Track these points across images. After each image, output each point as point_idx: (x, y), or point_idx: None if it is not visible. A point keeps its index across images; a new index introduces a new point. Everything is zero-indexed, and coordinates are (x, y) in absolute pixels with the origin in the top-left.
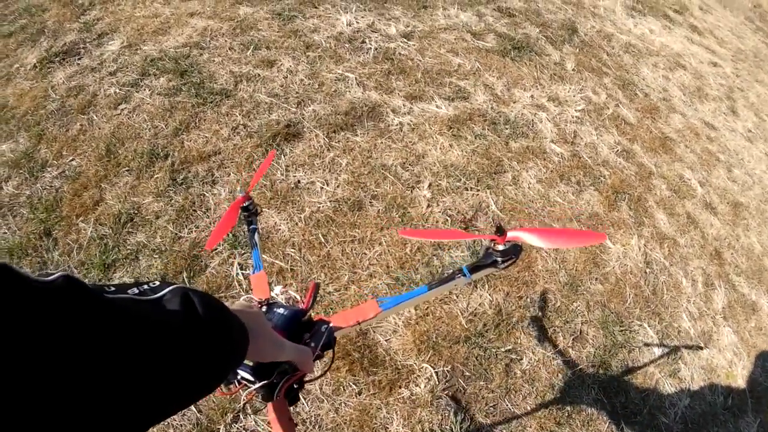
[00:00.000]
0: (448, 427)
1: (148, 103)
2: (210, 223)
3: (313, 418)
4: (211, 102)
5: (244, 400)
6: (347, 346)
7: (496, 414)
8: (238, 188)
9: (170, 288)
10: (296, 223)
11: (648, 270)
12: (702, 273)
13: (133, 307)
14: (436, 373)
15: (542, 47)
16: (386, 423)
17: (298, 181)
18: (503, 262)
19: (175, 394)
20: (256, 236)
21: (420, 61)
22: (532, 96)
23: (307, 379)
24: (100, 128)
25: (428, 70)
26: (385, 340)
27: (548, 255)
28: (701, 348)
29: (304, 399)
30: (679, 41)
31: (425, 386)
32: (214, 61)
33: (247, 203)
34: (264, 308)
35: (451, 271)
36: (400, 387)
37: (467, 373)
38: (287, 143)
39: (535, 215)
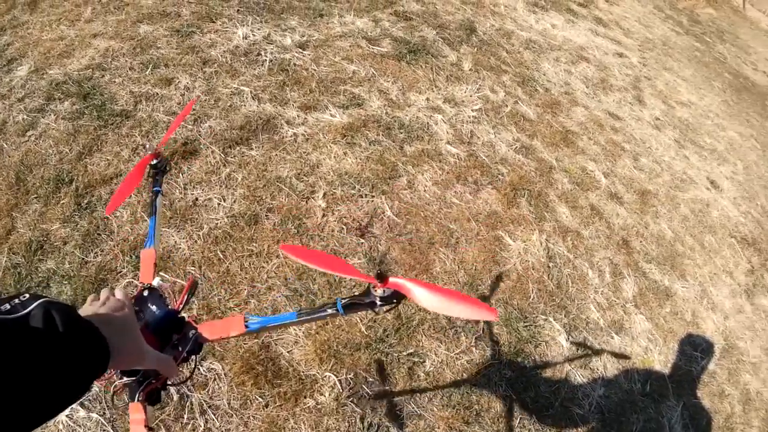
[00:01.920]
0: None
1: (53, 128)
2: (114, 246)
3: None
4: (112, 124)
5: (114, 388)
6: (250, 360)
7: (403, 417)
8: (147, 144)
9: (36, 303)
10: (195, 241)
11: (551, 264)
12: (609, 263)
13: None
14: (340, 381)
15: (439, 49)
16: None
17: (196, 199)
18: (381, 305)
19: (35, 408)
20: (159, 201)
21: (315, 70)
22: (427, 99)
23: (170, 382)
24: (9, 156)
25: (323, 79)
26: (287, 352)
27: (446, 256)
28: (612, 337)
29: (214, 415)
30: (582, 34)
31: (330, 395)
32: (115, 82)
33: (156, 161)
34: (140, 299)
35: (325, 301)
36: (305, 397)
37: (370, 379)
38: (185, 161)
39: (431, 218)
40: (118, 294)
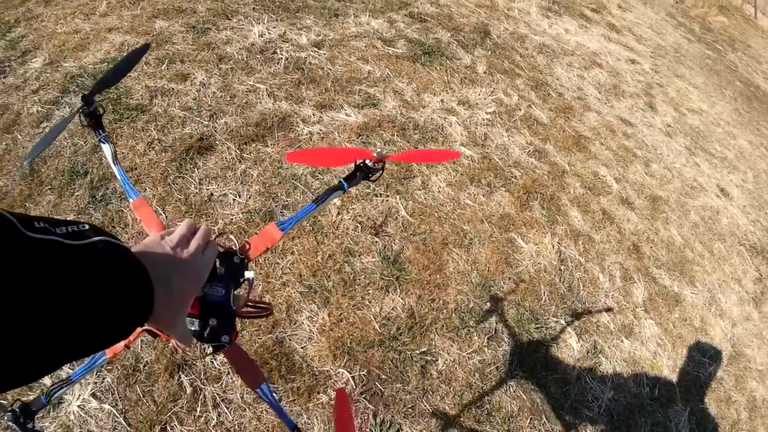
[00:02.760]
0: (368, 430)
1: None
2: (129, 239)
3: (236, 427)
4: (128, 118)
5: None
6: (264, 355)
7: (415, 415)
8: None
9: (98, 239)
10: (209, 226)
11: (563, 267)
12: (620, 267)
13: (56, 251)
14: (353, 377)
15: (453, 51)
16: (307, 428)
17: (211, 194)
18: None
19: (71, 339)
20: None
21: (330, 69)
22: (441, 100)
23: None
24: (24, 147)
25: (338, 78)
26: (301, 348)
27: (459, 257)
28: (621, 341)
29: (227, 408)
30: (595, 40)
31: None
32: (130, 76)
33: (374, 164)
34: (223, 260)
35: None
36: (318, 393)
37: (383, 377)
38: (200, 156)
39: (445, 218)
40: (210, 247)
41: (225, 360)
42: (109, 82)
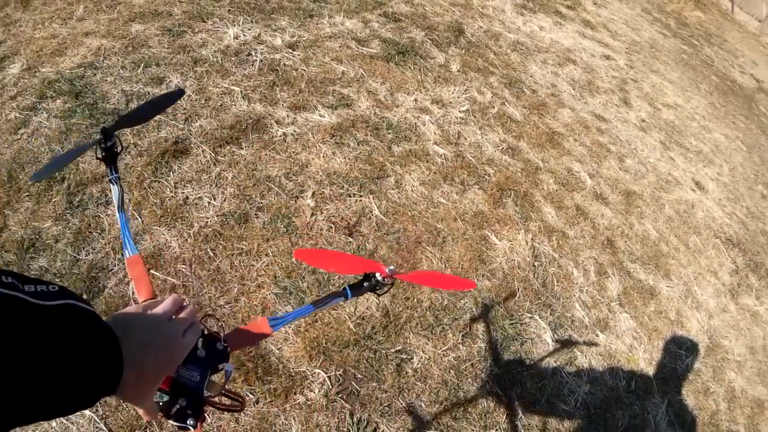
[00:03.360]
0: (345, 429)
1: (45, 127)
2: (105, 244)
3: (215, 430)
4: (104, 122)
5: None
6: (241, 357)
7: (392, 413)
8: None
9: (67, 302)
10: (186, 239)
11: (537, 263)
12: (594, 262)
13: (20, 308)
14: (329, 377)
15: (427, 50)
16: (285, 429)
17: (187, 197)
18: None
19: (28, 402)
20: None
21: (304, 70)
22: (415, 99)
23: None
24: (1, 154)
25: (312, 79)
26: (277, 349)
27: (433, 255)
28: (597, 335)
29: (205, 412)
30: (570, 36)
31: (319, 391)
32: (107, 80)
33: (383, 279)
34: (205, 344)
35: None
36: (295, 393)
37: (359, 376)
38: (175, 160)
39: (418, 217)
40: (191, 331)
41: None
42: (132, 120)
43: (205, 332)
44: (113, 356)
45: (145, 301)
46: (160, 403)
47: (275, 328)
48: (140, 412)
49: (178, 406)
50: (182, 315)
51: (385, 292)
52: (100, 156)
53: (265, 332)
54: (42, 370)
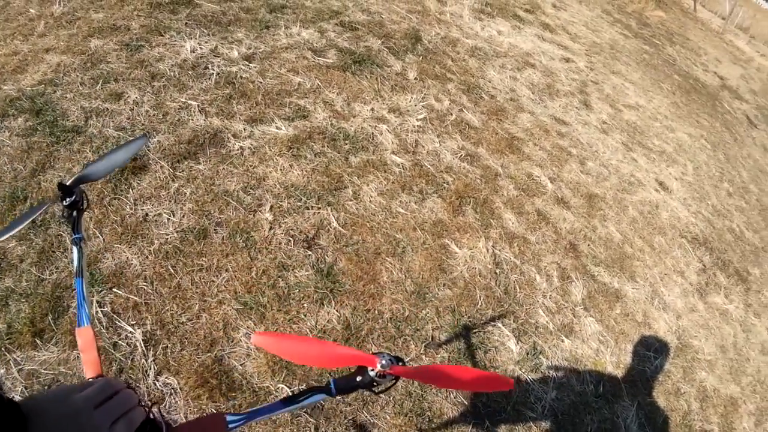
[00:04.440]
0: None
1: (7, 145)
2: (68, 263)
3: None
4: (64, 140)
5: None
6: (204, 374)
7: (356, 427)
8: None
9: None
10: (146, 257)
11: (498, 270)
12: (557, 267)
13: None
14: (292, 392)
15: (384, 59)
16: None
17: (146, 214)
18: (379, 386)
19: None
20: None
21: (261, 82)
22: (372, 109)
23: None
24: None
25: (269, 91)
26: (240, 365)
27: (392, 266)
28: (562, 340)
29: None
30: (529, 40)
31: None
32: (66, 97)
33: (379, 377)
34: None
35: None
36: None
37: None
38: (134, 176)
39: (377, 228)
40: (125, 407)
41: (168, 381)
42: (97, 174)
43: (153, 419)
44: None
45: (82, 381)
46: None
47: (233, 426)
48: None
49: None
50: (112, 402)
51: (386, 390)
52: (65, 215)
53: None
54: None
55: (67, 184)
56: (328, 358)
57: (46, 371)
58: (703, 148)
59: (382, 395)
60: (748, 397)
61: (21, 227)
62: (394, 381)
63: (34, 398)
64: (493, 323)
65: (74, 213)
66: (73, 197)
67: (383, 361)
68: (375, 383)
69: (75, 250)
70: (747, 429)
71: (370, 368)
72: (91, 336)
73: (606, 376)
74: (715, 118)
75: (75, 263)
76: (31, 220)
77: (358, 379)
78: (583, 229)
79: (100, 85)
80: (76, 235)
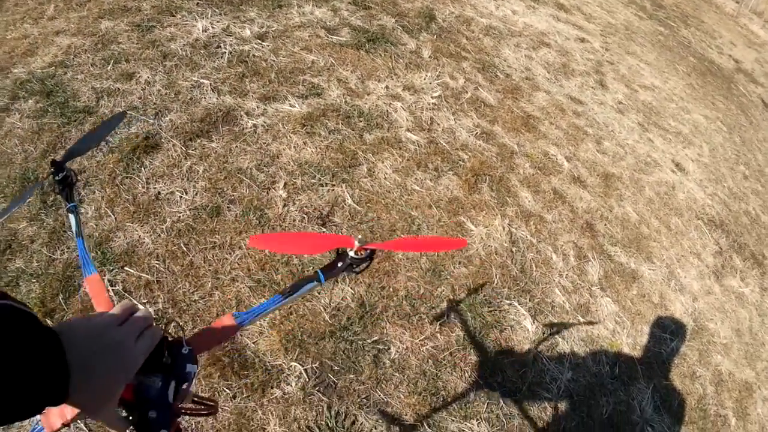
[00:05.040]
0: (323, 422)
1: (18, 127)
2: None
3: (193, 426)
4: (75, 120)
5: None
6: (217, 352)
7: (370, 405)
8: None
9: (2, 302)
10: (159, 235)
11: (514, 249)
12: (573, 246)
13: None
14: (305, 370)
15: (398, 37)
16: (263, 424)
17: (159, 193)
18: (358, 266)
19: None
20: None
21: (274, 61)
22: (386, 87)
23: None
24: None
25: (282, 69)
26: (253, 343)
27: None
28: (578, 320)
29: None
30: (543, 20)
31: (296, 384)
32: (77, 78)
33: (357, 254)
34: (168, 348)
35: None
36: (272, 387)
37: (336, 368)
38: (146, 155)
39: (392, 205)
40: (149, 334)
41: None
42: (79, 151)
43: (170, 338)
44: (56, 359)
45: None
46: (130, 418)
47: (242, 322)
48: (107, 428)
49: (150, 420)
50: (132, 320)
51: (365, 269)
52: (57, 191)
53: (231, 329)
54: None
55: (58, 160)
56: (314, 245)
57: None
58: (719, 130)
59: (361, 273)
60: (762, 383)
61: (19, 205)
62: (369, 259)
63: (61, 325)
64: (509, 302)
65: (66, 186)
66: (65, 172)
67: (359, 237)
68: (354, 264)
69: (72, 216)
70: (761, 415)
71: (348, 249)
72: (99, 281)
73: (622, 357)
74: (730, 100)
75: (74, 227)
76: (27, 200)
77: (339, 264)
78: (599, 208)
79: (111, 65)
80: (71, 204)
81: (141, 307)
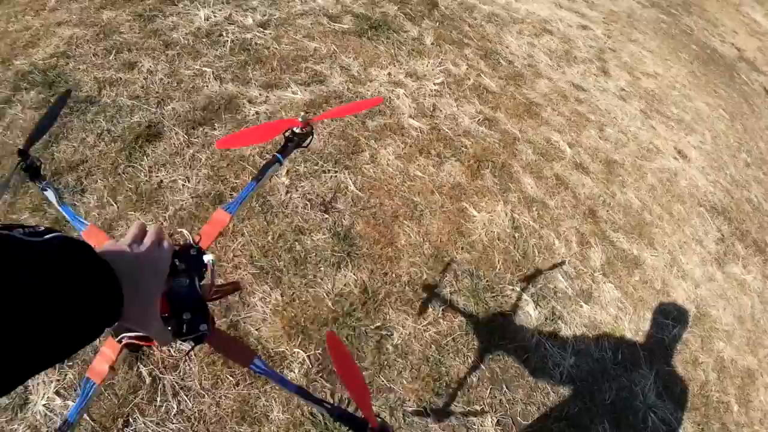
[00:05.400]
0: None
1: (20, 119)
2: (80, 235)
3: (196, 414)
4: (78, 110)
5: None
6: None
7: (373, 391)
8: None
9: (56, 234)
10: (161, 223)
11: (517, 234)
12: (576, 232)
13: (17, 245)
14: (308, 357)
15: (400, 24)
16: (267, 411)
17: (161, 181)
18: (304, 140)
19: (40, 344)
20: (271, 170)
21: (276, 49)
22: (389, 74)
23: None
24: None
25: (284, 57)
26: (256, 330)
27: (410, 229)
28: (581, 306)
29: (186, 396)
30: (546, 7)
31: (299, 371)
32: (79, 68)
33: (302, 129)
34: (182, 256)
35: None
36: None
37: None
38: (149, 144)
39: (394, 191)
40: (164, 243)
41: (182, 348)
42: (38, 135)
43: (176, 248)
44: (109, 276)
45: None
46: (170, 328)
47: (232, 212)
48: (154, 341)
49: (186, 322)
50: (150, 233)
51: (310, 141)
52: (27, 178)
53: (224, 220)
54: (48, 300)
55: (23, 148)
56: (267, 132)
57: None
58: (721, 117)
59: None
60: (765, 370)
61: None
62: (311, 133)
63: (99, 252)
64: (511, 287)
65: (33, 170)
66: (29, 159)
67: (302, 113)
68: (300, 139)
69: (49, 191)
70: (763, 402)
71: (294, 127)
72: (96, 230)
73: (624, 343)
74: (732, 89)
75: (54, 199)
76: (6, 188)
77: (290, 144)
78: (602, 194)
79: (113, 55)
80: (44, 183)
81: (150, 224)
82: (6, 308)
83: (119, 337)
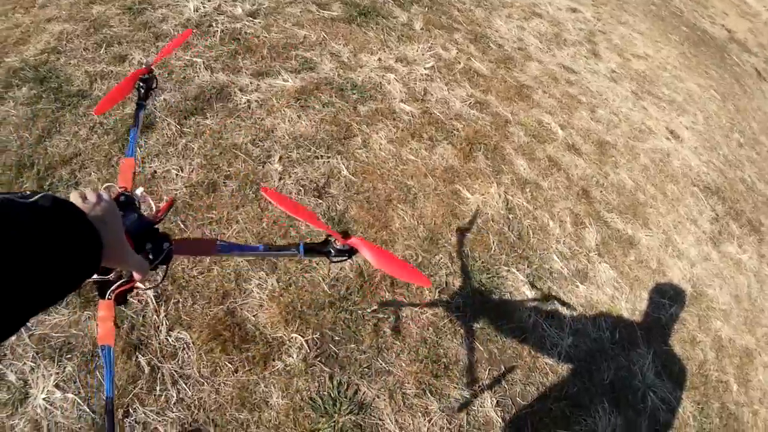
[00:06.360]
0: (326, 393)
1: (12, 115)
2: None
3: (196, 402)
4: (69, 105)
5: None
6: (217, 327)
7: (372, 374)
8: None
9: (42, 194)
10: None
11: (511, 216)
12: (570, 213)
13: (10, 204)
14: (306, 341)
15: (389, 10)
16: (266, 397)
17: (155, 171)
18: (336, 256)
19: (38, 289)
20: (142, 114)
21: (266, 37)
22: (379, 59)
23: (140, 285)
24: None
25: (274, 45)
26: (253, 316)
27: (404, 212)
28: (577, 286)
29: (185, 384)
30: None
31: (297, 356)
32: (70, 63)
33: (146, 76)
34: (122, 199)
35: (289, 243)
36: (273, 360)
37: (337, 338)
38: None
39: (388, 175)
40: (103, 194)
41: (180, 336)
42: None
43: (121, 198)
44: (89, 225)
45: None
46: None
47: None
48: (135, 275)
49: (151, 249)
50: (94, 194)
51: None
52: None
53: (129, 164)
54: (45, 248)
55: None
56: (125, 88)
57: (57, 335)
58: (713, 98)
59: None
60: (763, 349)
61: None
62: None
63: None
64: (507, 268)
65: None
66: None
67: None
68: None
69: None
70: (762, 381)
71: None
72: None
73: (622, 322)
74: (724, 69)
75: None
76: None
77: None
78: (595, 175)
79: (103, 49)
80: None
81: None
82: (14, 252)
83: (107, 295)
